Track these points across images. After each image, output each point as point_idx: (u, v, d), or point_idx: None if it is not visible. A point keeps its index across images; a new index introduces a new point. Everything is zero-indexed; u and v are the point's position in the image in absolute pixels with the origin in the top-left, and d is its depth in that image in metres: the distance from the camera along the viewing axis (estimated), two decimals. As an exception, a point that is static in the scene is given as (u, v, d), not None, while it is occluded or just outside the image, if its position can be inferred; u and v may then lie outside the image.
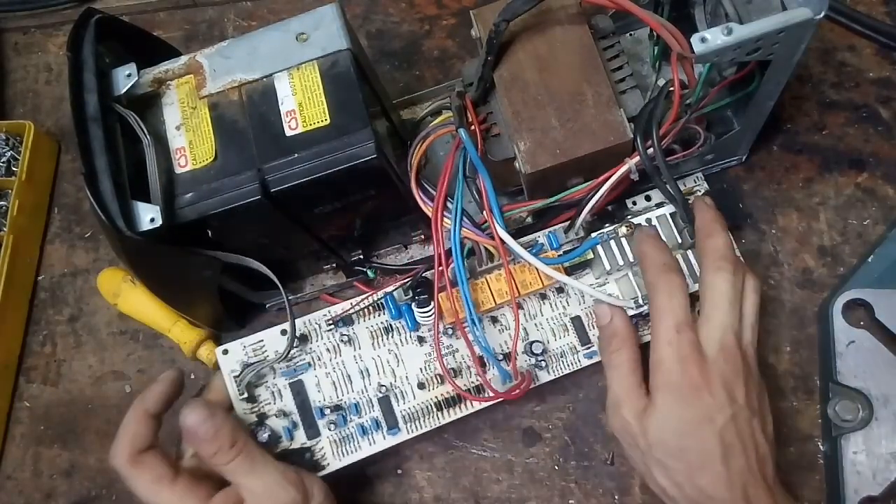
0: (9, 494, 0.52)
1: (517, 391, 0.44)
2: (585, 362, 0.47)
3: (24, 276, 0.57)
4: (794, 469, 0.47)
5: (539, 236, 0.48)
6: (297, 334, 0.45)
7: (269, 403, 0.45)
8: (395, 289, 0.46)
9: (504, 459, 0.49)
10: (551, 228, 0.48)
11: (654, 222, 0.46)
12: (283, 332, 0.45)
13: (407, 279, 0.47)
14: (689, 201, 0.49)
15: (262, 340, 0.45)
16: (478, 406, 0.46)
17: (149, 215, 0.39)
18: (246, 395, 0.45)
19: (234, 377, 0.44)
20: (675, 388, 0.39)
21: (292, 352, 0.46)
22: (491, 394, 0.44)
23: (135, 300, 0.52)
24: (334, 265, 0.52)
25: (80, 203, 0.59)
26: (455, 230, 0.44)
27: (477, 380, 0.46)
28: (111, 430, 0.52)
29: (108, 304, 0.53)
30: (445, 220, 0.44)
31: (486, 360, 0.46)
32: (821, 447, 0.47)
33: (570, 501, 0.48)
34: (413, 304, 0.46)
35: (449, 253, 0.44)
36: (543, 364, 0.47)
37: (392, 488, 0.50)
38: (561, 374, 0.47)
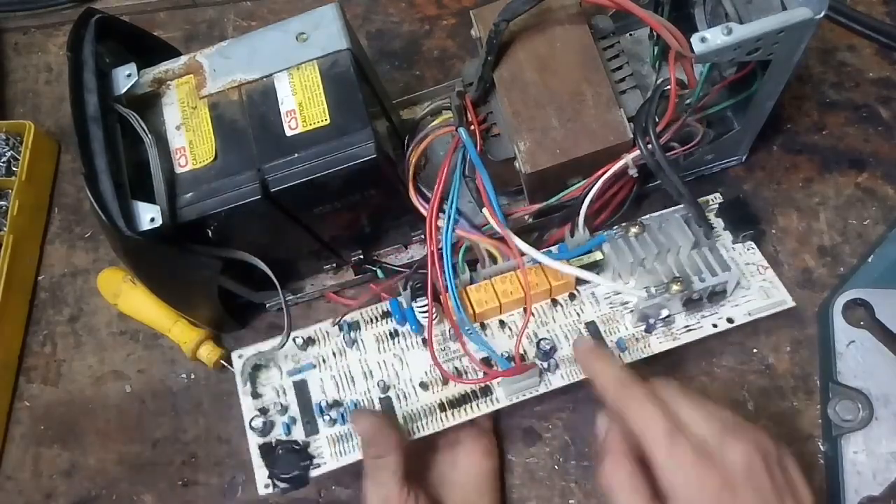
0: (9, 494, 0.52)
1: (522, 368, 0.43)
2: None
3: (24, 276, 0.57)
4: (795, 469, 0.47)
5: (553, 250, 0.47)
6: (305, 338, 0.46)
7: (273, 400, 0.45)
8: (394, 283, 0.46)
9: (504, 459, 0.49)
10: (558, 245, 0.47)
11: (665, 224, 0.46)
12: (295, 340, 0.46)
13: (402, 277, 0.46)
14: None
15: (275, 346, 0.46)
16: (483, 410, 0.44)
17: (149, 215, 0.39)
18: (250, 388, 0.45)
19: (240, 374, 0.45)
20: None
21: (299, 353, 0.46)
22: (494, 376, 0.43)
23: (135, 300, 0.52)
24: (334, 265, 0.52)
25: (80, 203, 0.59)
26: (447, 229, 0.44)
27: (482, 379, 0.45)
28: (111, 431, 0.52)
29: (108, 304, 0.53)
30: (442, 221, 0.44)
31: (489, 358, 0.45)
32: (821, 447, 0.47)
33: (571, 501, 0.48)
34: (413, 303, 0.45)
35: (442, 253, 0.44)
36: (554, 364, 0.45)
37: (392, 488, 0.50)
38: (575, 380, 0.45)
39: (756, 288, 0.48)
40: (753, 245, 0.49)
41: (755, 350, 0.50)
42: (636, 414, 0.36)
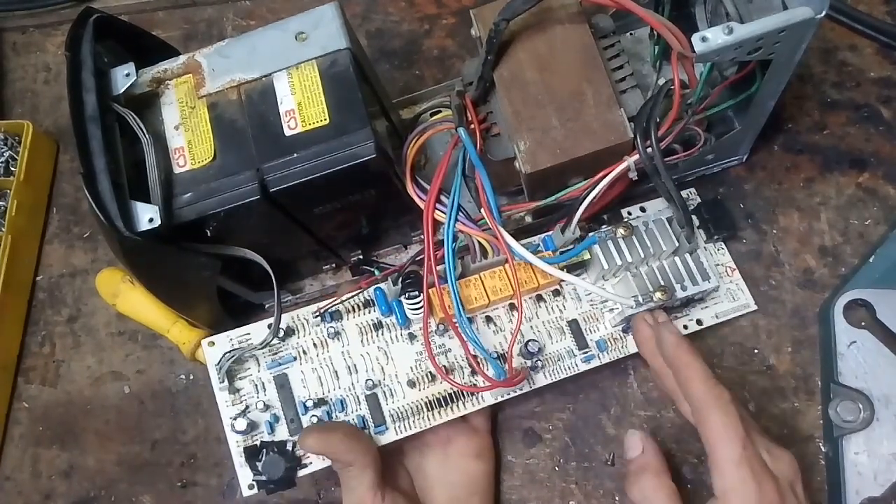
0: (7, 495, 0.52)
1: (515, 380, 0.43)
2: (583, 367, 0.46)
3: (22, 276, 0.56)
4: (795, 470, 0.47)
5: (535, 239, 0.47)
6: (284, 327, 0.45)
7: (252, 396, 0.44)
8: (383, 277, 0.45)
9: (504, 460, 0.49)
10: (547, 233, 0.47)
11: (651, 226, 0.46)
12: (270, 326, 0.44)
13: (394, 270, 0.45)
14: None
15: (248, 333, 0.45)
16: (470, 408, 0.44)
17: (147, 215, 0.39)
18: (226, 383, 0.43)
19: (216, 366, 0.43)
20: None
21: (278, 344, 0.45)
22: (487, 383, 0.43)
23: (133, 300, 0.51)
24: (334, 265, 0.52)
25: (78, 203, 0.59)
26: (449, 222, 0.43)
27: (470, 380, 0.45)
28: (110, 431, 0.52)
29: (107, 304, 0.53)
30: (439, 213, 0.44)
31: (479, 357, 0.44)
32: (822, 448, 0.47)
33: (571, 502, 0.48)
34: (403, 297, 0.44)
35: (438, 246, 0.43)
36: (540, 364, 0.45)
37: (392, 489, 0.50)
38: (559, 378, 0.45)
39: (723, 290, 0.49)
40: (723, 245, 0.50)
41: (756, 350, 0.49)
42: (720, 413, 0.37)
